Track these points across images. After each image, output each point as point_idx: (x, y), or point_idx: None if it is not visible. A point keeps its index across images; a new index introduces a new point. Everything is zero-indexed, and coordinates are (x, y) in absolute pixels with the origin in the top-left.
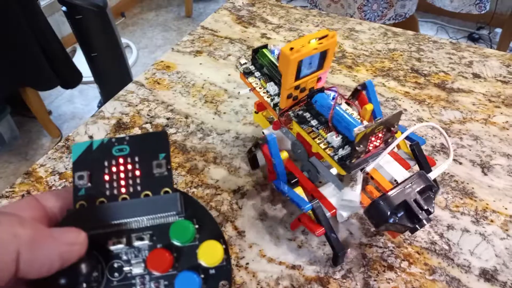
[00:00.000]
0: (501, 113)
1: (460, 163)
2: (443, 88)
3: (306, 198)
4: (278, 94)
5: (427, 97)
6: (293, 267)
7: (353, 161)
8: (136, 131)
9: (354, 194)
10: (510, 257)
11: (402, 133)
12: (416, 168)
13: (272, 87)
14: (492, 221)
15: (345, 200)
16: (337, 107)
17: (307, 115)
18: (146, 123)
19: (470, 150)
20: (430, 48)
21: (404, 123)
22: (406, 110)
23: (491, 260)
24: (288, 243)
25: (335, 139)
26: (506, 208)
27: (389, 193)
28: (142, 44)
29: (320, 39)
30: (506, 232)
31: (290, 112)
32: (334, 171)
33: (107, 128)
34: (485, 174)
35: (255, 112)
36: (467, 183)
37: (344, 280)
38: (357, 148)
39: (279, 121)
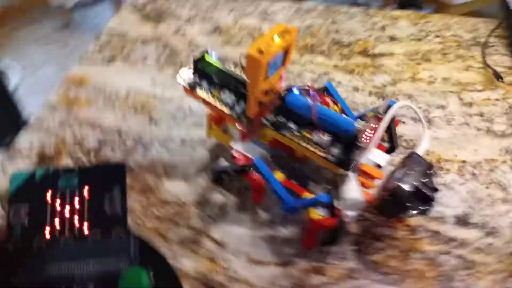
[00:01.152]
0: (424, 69)
1: (404, 122)
2: (367, 55)
3: None
4: (237, 102)
5: (355, 66)
6: (286, 263)
7: (352, 157)
8: (67, 161)
9: (355, 191)
10: (473, 200)
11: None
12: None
13: (227, 96)
14: (448, 170)
15: (348, 199)
16: (318, 105)
17: (283, 119)
18: (75, 150)
19: (408, 108)
20: (343, 19)
21: (342, 95)
22: (340, 82)
23: (459, 206)
24: (272, 241)
25: (324, 138)
26: (455, 155)
27: (400, 184)
28: (24, 63)
29: (280, 35)
30: (463, 177)
31: (263, 120)
32: None
33: (29, 163)
34: (428, 128)
35: (210, 126)
36: (416, 140)
37: (338, 263)
38: (358, 144)
39: (247, 131)
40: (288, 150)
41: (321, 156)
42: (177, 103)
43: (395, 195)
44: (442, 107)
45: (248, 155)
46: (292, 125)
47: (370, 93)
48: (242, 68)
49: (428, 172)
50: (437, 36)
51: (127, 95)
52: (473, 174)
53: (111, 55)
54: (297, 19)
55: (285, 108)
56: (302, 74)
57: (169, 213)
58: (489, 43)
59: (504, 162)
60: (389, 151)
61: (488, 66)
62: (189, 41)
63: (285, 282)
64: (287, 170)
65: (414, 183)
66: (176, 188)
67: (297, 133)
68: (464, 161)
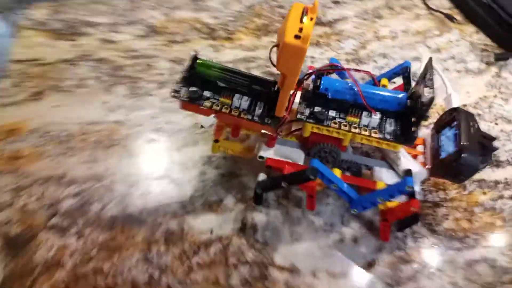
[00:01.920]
0: (381, 26)
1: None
2: (324, 24)
3: None
4: (254, 104)
5: (319, 37)
6: (370, 264)
7: (415, 129)
8: (43, 235)
9: (415, 164)
10: None
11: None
12: None
13: (241, 100)
14: None
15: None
16: (361, 83)
17: (320, 109)
18: (51, 217)
19: (388, 66)
20: None
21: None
22: (314, 57)
23: None
24: (343, 246)
25: (375, 118)
26: None
27: (463, 142)
28: None
29: (304, 14)
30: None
31: (300, 116)
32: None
33: None
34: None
35: (215, 141)
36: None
37: (419, 243)
38: (426, 114)
39: (276, 134)
40: (335, 142)
41: (379, 138)
42: (151, 124)
43: (466, 158)
44: (416, 58)
45: (288, 160)
46: (333, 114)
47: (347, 61)
48: (273, 64)
49: (476, 123)
50: None
51: (83, 132)
52: (478, 115)
53: (36, 90)
54: (235, 1)
55: (320, 97)
56: (273, 58)
57: (212, 256)
58: None
59: (495, 96)
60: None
61: (434, 10)
62: (124, 50)
63: (379, 285)
64: (335, 164)
65: (479, 140)
66: (205, 223)
67: (342, 121)
68: (464, 105)
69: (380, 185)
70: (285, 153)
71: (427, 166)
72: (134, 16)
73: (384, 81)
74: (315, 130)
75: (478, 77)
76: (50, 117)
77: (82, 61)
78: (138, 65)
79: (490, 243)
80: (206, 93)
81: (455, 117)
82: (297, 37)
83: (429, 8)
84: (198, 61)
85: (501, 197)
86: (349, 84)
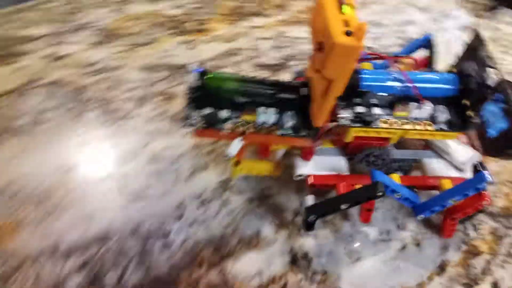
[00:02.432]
0: None
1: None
2: None
3: None
4: (283, 116)
5: (299, 14)
6: (441, 266)
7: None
8: None
9: (466, 149)
10: None
11: None
12: None
13: (268, 114)
14: None
15: (469, 161)
16: (407, 72)
17: (362, 109)
18: None
19: (384, 36)
20: None
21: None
22: (298, 38)
23: None
24: (407, 254)
25: (428, 108)
26: None
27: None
28: None
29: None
30: None
31: (342, 120)
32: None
33: None
34: None
35: (235, 164)
36: None
37: (480, 231)
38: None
39: (313, 145)
40: (382, 142)
41: (434, 130)
42: (145, 154)
43: None
44: (411, 22)
45: (331, 172)
46: (379, 111)
47: None
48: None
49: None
50: None
51: (60, 182)
52: None
53: None
54: None
55: (360, 94)
56: (259, 46)
57: None
58: None
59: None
60: None
61: None
62: (80, 65)
63: (457, 285)
64: (385, 167)
65: None
66: (249, 265)
67: (391, 118)
68: None
69: (445, 183)
70: (326, 165)
71: (476, 148)
72: (78, 20)
73: (407, 59)
74: (362, 134)
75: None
76: (12, 172)
77: (31, 88)
78: (104, 81)
79: None
80: (223, 113)
81: (497, 88)
82: (348, 33)
83: None
84: (208, 75)
85: None
86: (392, 75)
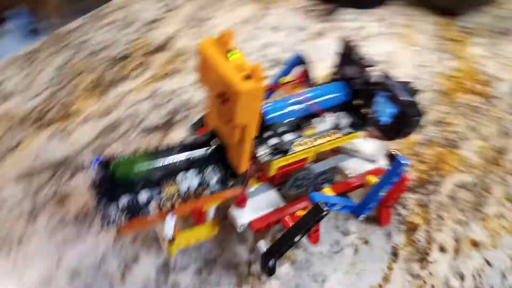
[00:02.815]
0: (214, 26)
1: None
2: (158, 50)
3: None
4: (205, 175)
5: (166, 65)
6: (394, 254)
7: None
8: None
9: (370, 141)
10: None
11: None
12: None
13: (189, 180)
14: None
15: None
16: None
17: (275, 140)
18: None
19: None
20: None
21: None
22: (174, 89)
23: None
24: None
25: (330, 119)
26: None
27: (403, 98)
28: None
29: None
30: None
31: (262, 157)
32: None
33: None
34: None
35: (170, 241)
36: None
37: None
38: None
39: (245, 191)
40: (301, 163)
41: (342, 136)
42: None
43: (413, 110)
44: (273, 44)
45: (269, 210)
46: (290, 137)
47: None
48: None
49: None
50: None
51: None
52: None
53: None
54: (36, 72)
55: (268, 127)
56: (138, 110)
57: None
58: None
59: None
60: None
61: None
62: None
63: (414, 264)
64: (313, 185)
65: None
66: None
67: (304, 139)
68: None
69: (370, 179)
70: (262, 204)
71: (377, 137)
72: None
73: (285, 79)
74: (283, 163)
75: (325, 37)
76: None
77: None
78: None
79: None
80: (143, 196)
81: (379, 82)
82: (246, 78)
83: None
84: (113, 163)
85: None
86: (289, 99)
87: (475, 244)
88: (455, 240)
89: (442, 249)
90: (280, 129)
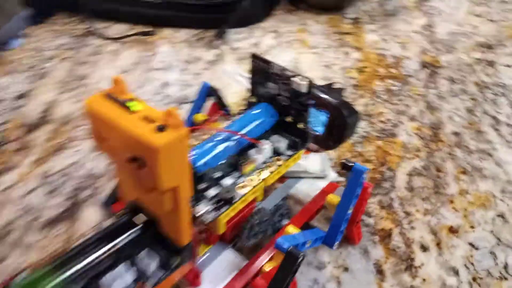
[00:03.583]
0: (92, 83)
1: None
2: None
3: None
4: (136, 267)
5: (53, 142)
6: (379, 272)
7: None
8: None
9: (313, 156)
10: None
11: None
12: None
13: (121, 279)
14: None
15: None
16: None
17: (214, 190)
18: None
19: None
20: None
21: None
22: (64, 167)
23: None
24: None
25: (266, 147)
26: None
27: (334, 103)
28: None
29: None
30: None
31: (205, 217)
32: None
33: None
34: None
35: None
36: None
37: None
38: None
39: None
40: (233, 224)
41: (285, 161)
42: None
43: (347, 114)
44: (166, 84)
45: (230, 278)
46: (230, 180)
47: None
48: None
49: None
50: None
51: None
52: None
53: None
54: None
55: (201, 177)
56: (28, 204)
57: None
58: None
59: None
60: None
61: (124, 37)
62: None
63: (403, 275)
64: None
65: (335, 94)
66: None
67: (245, 178)
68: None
69: (330, 198)
70: (220, 273)
71: (317, 150)
72: None
73: (200, 116)
74: (231, 214)
75: (223, 62)
76: None
77: None
78: None
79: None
80: None
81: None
82: (160, 128)
83: (115, 38)
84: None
85: None
86: (216, 138)
87: (453, 231)
88: (433, 234)
89: (424, 248)
90: (216, 175)
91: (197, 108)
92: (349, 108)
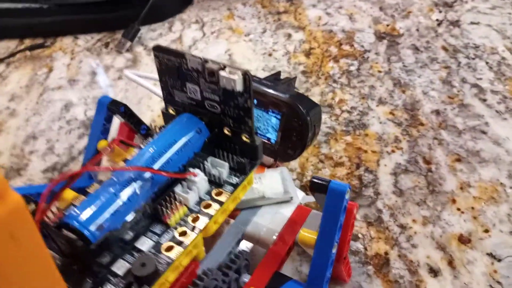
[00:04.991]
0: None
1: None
2: None
3: None
4: None
5: None
6: None
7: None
8: None
9: (272, 173)
10: None
11: None
12: None
13: None
14: None
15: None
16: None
17: (122, 265)
18: None
19: (50, 131)
20: None
21: None
22: None
23: None
24: None
25: (200, 178)
26: None
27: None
28: None
29: None
30: None
31: None
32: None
33: None
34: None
35: None
36: None
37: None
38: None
39: None
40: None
41: (232, 192)
42: None
43: (303, 111)
44: (69, 104)
45: None
46: (147, 242)
47: None
48: None
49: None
50: None
51: None
52: None
53: None
54: None
55: (102, 247)
56: None
57: None
58: None
59: None
60: None
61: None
62: None
63: None
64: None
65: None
66: None
67: (174, 233)
68: None
69: (303, 236)
70: None
71: (273, 166)
72: None
73: (103, 143)
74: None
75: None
76: None
77: None
78: None
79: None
80: None
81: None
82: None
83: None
84: None
85: None
86: (116, 180)
87: (464, 240)
88: (441, 249)
89: (434, 271)
90: (126, 237)
91: (97, 132)
92: (306, 102)
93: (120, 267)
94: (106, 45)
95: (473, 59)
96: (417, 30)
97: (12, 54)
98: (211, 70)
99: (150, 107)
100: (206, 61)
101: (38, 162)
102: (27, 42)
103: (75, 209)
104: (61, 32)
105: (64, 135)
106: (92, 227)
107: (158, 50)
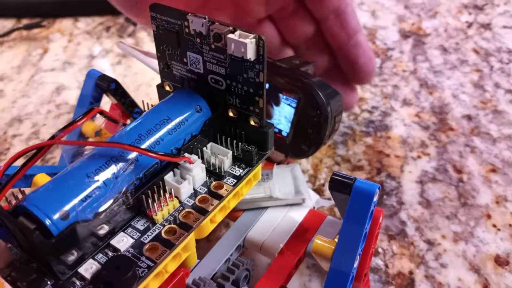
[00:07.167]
0: None
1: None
2: None
3: None
4: None
5: None
6: None
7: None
8: None
9: (284, 170)
10: None
11: None
12: None
13: None
14: None
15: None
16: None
17: (91, 266)
18: None
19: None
20: None
21: None
22: None
23: None
24: None
25: (196, 165)
26: None
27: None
28: None
29: None
30: None
31: None
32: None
33: None
34: None
35: None
36: None
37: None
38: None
39: None
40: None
41: (234, 187)
42: None
43: (320, 102)
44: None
45: None
46: (126, 241)
47: None
48: None
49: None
50: None
51: None
52: None
53: None
54: None
55: (67, 244)
56: None
57: None
58: None
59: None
60: None
61: None
62: None
63: None
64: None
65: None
66: None
67: (160, 229)
68: None
69: (318, 246)
70: None
71: (283, 162)
72: None
73: (91, 125)
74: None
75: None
76: None
77: None
78: None
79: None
80: None
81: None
82: None
83: None
84: None
85: None
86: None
87: (501, 262)
88: (474, 271)
89: None
90: (100, 232)
91: (83, 111)
92: (326, 88)
93: (89, 268)
94: (107, 29)
95: (507, 63)
96: (445, 30)
97: (7, 33)
98: (218, 33)
99: (148, 94)
100: (212, 21)
101: (20, 146)
102: (25, 22)
103: (36, 192)
104: (62, 13)
105: (51, 120)
106: (55, 215)
107: (156, 10)
